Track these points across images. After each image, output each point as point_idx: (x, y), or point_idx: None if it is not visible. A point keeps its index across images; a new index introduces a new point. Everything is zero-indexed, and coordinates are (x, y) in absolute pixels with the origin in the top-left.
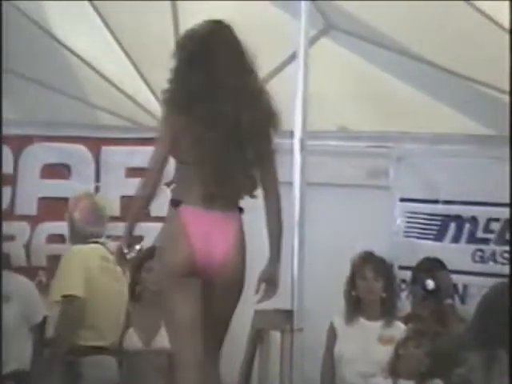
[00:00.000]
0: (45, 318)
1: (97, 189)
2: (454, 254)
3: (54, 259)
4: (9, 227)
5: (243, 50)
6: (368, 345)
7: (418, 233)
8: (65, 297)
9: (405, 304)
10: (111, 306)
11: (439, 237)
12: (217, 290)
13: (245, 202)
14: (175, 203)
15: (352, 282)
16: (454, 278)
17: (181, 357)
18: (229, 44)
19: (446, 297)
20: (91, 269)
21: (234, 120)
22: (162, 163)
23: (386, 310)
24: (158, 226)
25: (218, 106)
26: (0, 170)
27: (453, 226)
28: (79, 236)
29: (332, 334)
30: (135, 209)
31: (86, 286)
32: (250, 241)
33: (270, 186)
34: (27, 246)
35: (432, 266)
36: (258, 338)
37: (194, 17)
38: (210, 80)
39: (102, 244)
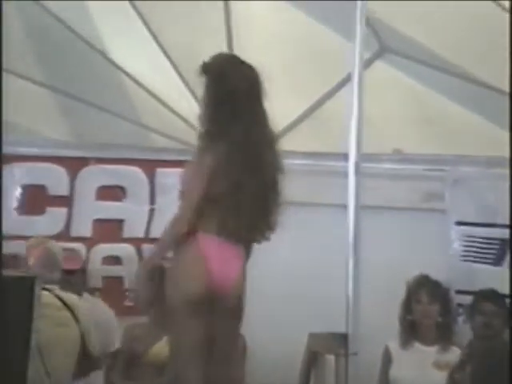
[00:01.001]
0: None
1: (151, 211)
2: None
3: (110, 281)
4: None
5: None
6: (424, 370)
7: (476, 257)
8: None
9: (462, 328)
10: (54, 353)
11: (497, 261)
12: (228, 312)
13: None
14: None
15: (407, 305)
16: None
17: (185, 378)
18: (262, 92)
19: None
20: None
21: (263, 165)
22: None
23: (442, 335)
24: None
25: (250, 151)
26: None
27: None
28: None
29: (387, 358)
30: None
31: None
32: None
33: None
34: (83, 268)
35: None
36: (312, 361)
37: (247, 38)
38: (251, 132)
39: (49, 290)
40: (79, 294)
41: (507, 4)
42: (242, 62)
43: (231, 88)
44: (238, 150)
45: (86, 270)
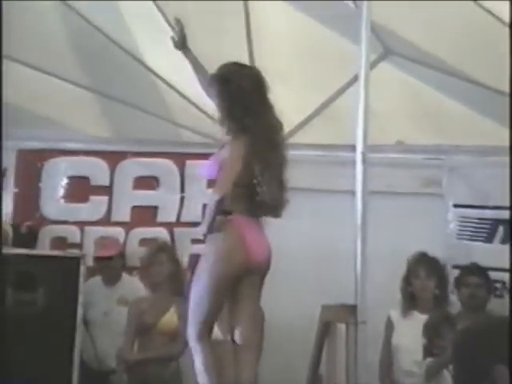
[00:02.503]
0: None
1: (182, 199)
2: (502, 254)
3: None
4: (106, 232)
5: None
6: (421, 335)
7: (470, 235)
8: None
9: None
10: None
11: (489, 238)
12: (258, 280)
13: None
14: (227, 212)
15: (407, 280)
16: (503, 275)
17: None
18: (265, 87)
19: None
20: None
21: (281, 155)
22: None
23: (439, 305)
24: None
25: (268, 140)
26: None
27: (501, 228)
28: None
29: (390, 326)
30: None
31: None
32: None
33: None
34: (121, 253)
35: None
36: (325, 330)
37: (266, 45)
38: (265, 123)
39: None
40: (118, 276)
41: (504, 14)
42: (244, 66)
43: (236, 88)
44: (259, 140)
45: (124, 254)
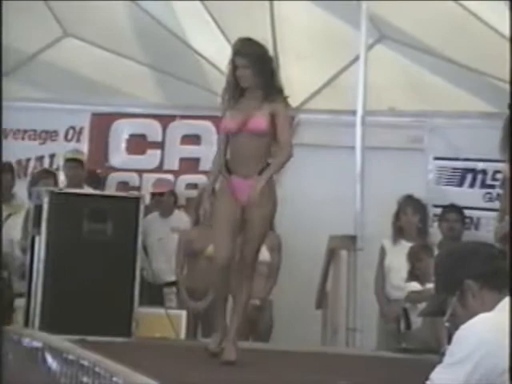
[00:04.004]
0: None
1: None
2: (471, 195)
3: (191, 200)
4: (160, 178)
5: None
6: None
7: (445, 181)
8: None
9: (436, 231)
10: None
11: (460, 184)
12: None
13: None
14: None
15: (397, 216)
16: (471, 212)
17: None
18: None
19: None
20: None
21: None
22: None
23: (421, 236)
24: None
25: None
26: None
27: (469, 176)
28: None
29: (383, 252)
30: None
31: None
32: None
33: None
34: (171, 191)
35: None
36: (331, 255)
37: (287, 32)
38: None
39: None
40: (171, 210)
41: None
42: (261, 43)
43: (271, 65)
44: (284, 102)
45: (174, 192)
